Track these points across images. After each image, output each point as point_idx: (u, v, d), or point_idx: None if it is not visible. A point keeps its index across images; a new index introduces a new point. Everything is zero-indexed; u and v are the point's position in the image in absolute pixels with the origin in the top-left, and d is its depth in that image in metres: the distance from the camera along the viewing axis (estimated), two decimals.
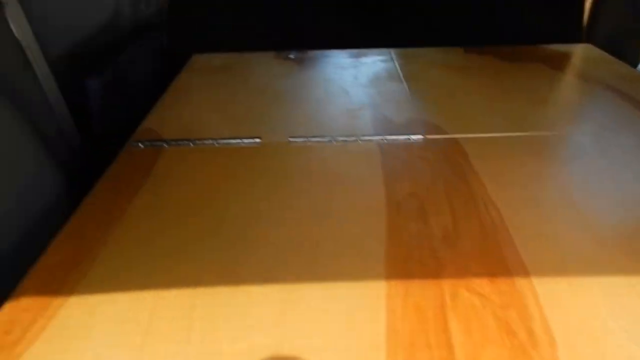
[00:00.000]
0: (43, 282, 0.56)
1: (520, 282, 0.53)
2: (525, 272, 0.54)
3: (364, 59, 1.27)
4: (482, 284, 0.53)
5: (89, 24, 1.18)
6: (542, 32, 1.51)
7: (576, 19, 1.52)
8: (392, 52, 1.32)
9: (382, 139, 0.85)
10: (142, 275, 0.56)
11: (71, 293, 0.54)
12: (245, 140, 0.86)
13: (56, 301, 0.53)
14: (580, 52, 1.28)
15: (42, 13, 0.90)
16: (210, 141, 0.87)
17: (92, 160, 1.01)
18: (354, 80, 1.12)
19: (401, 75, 1.15)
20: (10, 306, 0.53)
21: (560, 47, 1.30)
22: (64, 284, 0.56)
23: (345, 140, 0.85)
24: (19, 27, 0.77)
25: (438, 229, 0.62)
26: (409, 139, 0.85)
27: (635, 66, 1.23)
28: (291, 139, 0.86)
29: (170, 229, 0.64)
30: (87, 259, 0.59)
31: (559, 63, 1.22)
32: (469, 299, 0.51)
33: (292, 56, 1.31)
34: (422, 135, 0.85)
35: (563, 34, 1.48)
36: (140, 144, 0.87)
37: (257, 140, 0.86)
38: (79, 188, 0.90)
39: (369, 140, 0.85)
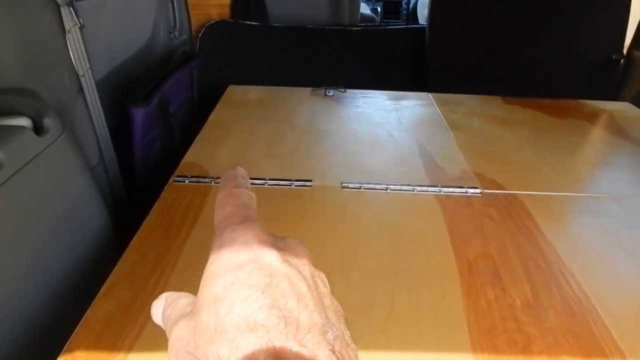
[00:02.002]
0: (98, 333, 0.52)
1: None
2: (621, 354, 0.51)
3: (404, 102, 1.26)
4: None
5: (129, 51, 1.17)
6: (578, 87, 1.53)
7: (613, 76, 1.53)
8: (431, 96, 1.31)
9: (438, 191, 0.82)
10: None
11: (130, 348, 0.50)
12: (296, 183, 0.83)
13: (116, 358, 0.48)
14: (620, 110, 1.28)
15: (92, 41, 0.88)
16: (260, 181, 0.83)
17: (131, 190, 0.98)
18: (399, 125, 1.10)
19: (445, 122, 1.13)
20: None
21: (601, 104, 1.30)
22: (121, 337, 0.51)
23: (401, 190, 0.82)
24: (77, 55, 0.75)
25: (517, 297, 0.58)
26: (466, 192, 0.82)
27: None
28: (344, 184, 0.83)
29: None
30: (143, 310, 0.55)
31: (602, 121, 1.21)
32: None
33: (330, 93, 1.30)
34: (480, 189, 0.83)
35: (599, 90, 1.49)
36: (185, 180, 0.83)
37: (309, 183, 0.83)
38: (118, 217, 0.87)
39: (425, 191, 0.82)
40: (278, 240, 0.24)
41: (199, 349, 0.20)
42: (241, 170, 0.29)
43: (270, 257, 0.22)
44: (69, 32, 0.72)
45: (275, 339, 0.19)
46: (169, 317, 0.24)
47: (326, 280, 0.24)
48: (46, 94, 0.65)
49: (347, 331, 0.22)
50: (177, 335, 0.22)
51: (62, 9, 0.70)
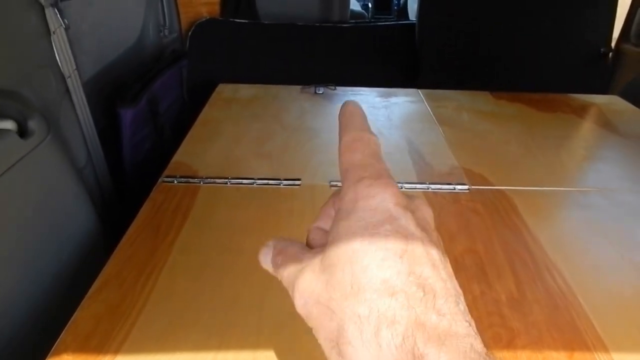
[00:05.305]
0: (86, 335, 0.52)
1: (602, 359, 0.50)
2: (604, 348, 0.51)
3: (394, 99, 1.26)
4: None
5: (117, 51, 1.17)
6: (567, 81, 1.54)
7: (602, 70, 1.54)
8: (421, 92, 1.31)
9: (426, 187, 0.83)
10: (199, 330, 0.52)
11: (118, 350, 0.50)
12: (285, 182, 0.83)
13: None
14: (608, 103, 1.28)
15: (79, 41, 0.88)
16: (249, 181, 0.84)
17: (120, 190, 0.98)
18: (388, 122, 1.10)
19: (434, 118, 1.13)
20: None
21: (589, 98, 1.31)
22: (109, 339, 0.51)
23: None
24: (63, 56, 0.74)
25: (502, 292, 0.59)
26: (454, 188, 0.82)
27: None
28: (332, 183, 0.83)
29: (219, 279, 0.60)
30: (131, 311, 0.55)
31: (591, 115, 1.22)
32: None
33: (320, 91, 1.30)
34: (468, 185, 0.83)
35: (588, 83, 1.50)
36: (174, 180, 0.83)
37: (297, 182, 0.84)
38: (107, 218, 0.87)
39: (414, 188, 0.83)
40: (409, 202, 0.23)
41: (334, 302, 0.21)
42: (361, 107, 0.27)
43: (406, 219, 0.22)
44: (54, 33, 0.72)
45: (415, 306, 0.19)
46: (283, 265, 0.25)
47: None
48: (31, 95, 0.65)
49: None
50: (305, 286, 0.23)
51: (46, 10, 0.70)
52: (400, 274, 0.20)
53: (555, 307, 0.56)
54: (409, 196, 0.24)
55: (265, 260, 0.27)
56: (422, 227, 0.22)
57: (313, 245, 0.27)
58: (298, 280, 0.23)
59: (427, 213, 0.24)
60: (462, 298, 0.21)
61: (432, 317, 0.19)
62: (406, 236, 0.21)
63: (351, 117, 0.27)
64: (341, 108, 0.27)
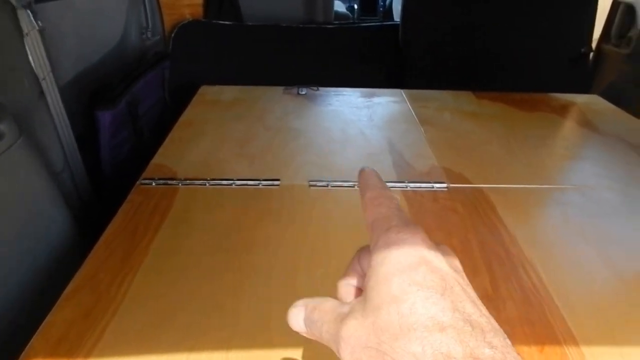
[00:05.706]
0: (57, 339, 0.51)
1: (572, 352, 0.50)
2: (574, 341, 0.52)
3: (376, 99, 1.26)
4: (532, 354, 0.50)
5: (98, 53, 1.16)
6: (548, 80, 1.55)
7: (583, 70, 1.56)
8: (404, 92, 1.32)
9: (405, 186, 0.83)
10: (172, 332, 0.52)
11: (89, 354, 0.49)
12: (264, 182, 0.83)
13: None
14: (588, 102, 1.30)
15: (57, 44, 0.87)
16: (227, 181, 0.83)
17: (99, 194, 0.97)
18: (370, 122, 1.11)
19: (416, 118, 1.14)
20: None
21: (570, 97, 1.32)
22: (80, 343, 0.51)
23: None
24: (37, 58, 0.74)
25: (477, 290, 0.59)
26: (432, 187, 0.83)
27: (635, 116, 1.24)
28: (312, 182, 0.83)
29: (195, 281, 0.60)
30: (104, 315, 0.54)
31: (571, 114, 1.23)
32: None
33: (303, 92, 1.30)
34: (446, 184, 0.84)
35: (570, 83, 1.52)
36: (153, 182, 0.83)
37: (277, 182, 0.83)
38: (86, 222, 0.86)
39: (392, 187, 0.83)
40: (437, 247, 0.24)
41: (385, 345, 0.21)
42: (376, 171, 0.30)
43: (439, 261, 0.23)
44: (27, 35, 0.71)
45: (468, 341, 0.20)
46: (320, 321, 0.25)
47: None
48: (2, 98, 0.64)
49: None
50: (351, 333, 0.22)
51: (18, 11, 0.69)
52: (445, 310, 0.21)
53: (528, 303, 0.57)
54: (436, 243, 0.25)
55: (297, 321, 0.26)
56: (454, 269, 0.23)
57: (345, 300, 0.27)
58: (341, 330, 0.23)
59: (454, 258, 0.25)
60: (505, 334, 0.21)
61: (486, 350, 0.19)
62: (443, 276, 0.22)
63: (369, 177, 0.29)
64: (359, 173, 0.30)
